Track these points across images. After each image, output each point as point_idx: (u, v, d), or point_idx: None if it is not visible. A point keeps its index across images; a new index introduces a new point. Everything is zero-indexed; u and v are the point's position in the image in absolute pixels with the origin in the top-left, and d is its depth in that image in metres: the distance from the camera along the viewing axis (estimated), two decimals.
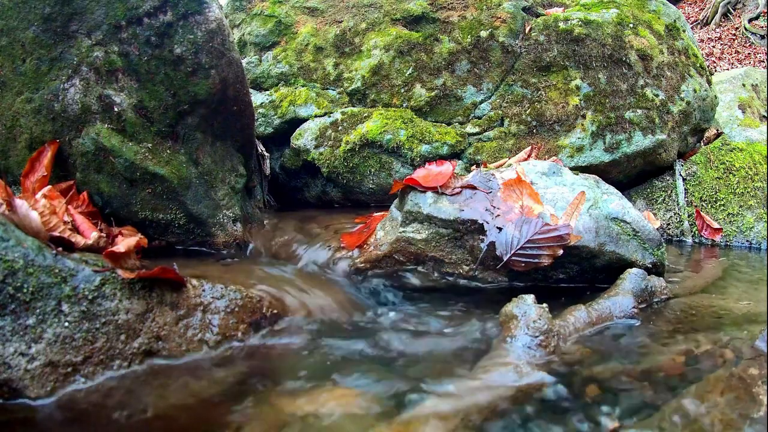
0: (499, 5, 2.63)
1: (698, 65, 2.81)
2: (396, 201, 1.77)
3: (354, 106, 2.62)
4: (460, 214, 1.59)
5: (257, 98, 2.70)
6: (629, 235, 1.61)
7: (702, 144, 2.92)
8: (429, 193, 1.65)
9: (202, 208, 1.77)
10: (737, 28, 10.92)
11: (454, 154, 2.46)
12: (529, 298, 1.28)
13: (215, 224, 1.80)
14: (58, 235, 1.31)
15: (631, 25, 2.58)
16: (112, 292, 1.16)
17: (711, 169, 2.66)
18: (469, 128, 2.51)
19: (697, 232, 2.56)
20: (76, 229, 1.43)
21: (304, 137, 2.55)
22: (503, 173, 1.72)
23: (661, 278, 1.59)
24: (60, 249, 1.17)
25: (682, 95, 2.63)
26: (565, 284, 1.63)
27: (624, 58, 2.50)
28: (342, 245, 1.79)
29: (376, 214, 1.93)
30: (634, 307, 1.41)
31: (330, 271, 1.71)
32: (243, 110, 1.89)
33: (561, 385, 1.06)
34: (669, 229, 2.61)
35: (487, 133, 2.50)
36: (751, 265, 2.11)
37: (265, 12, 2.88)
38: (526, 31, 2.57)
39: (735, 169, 2.61)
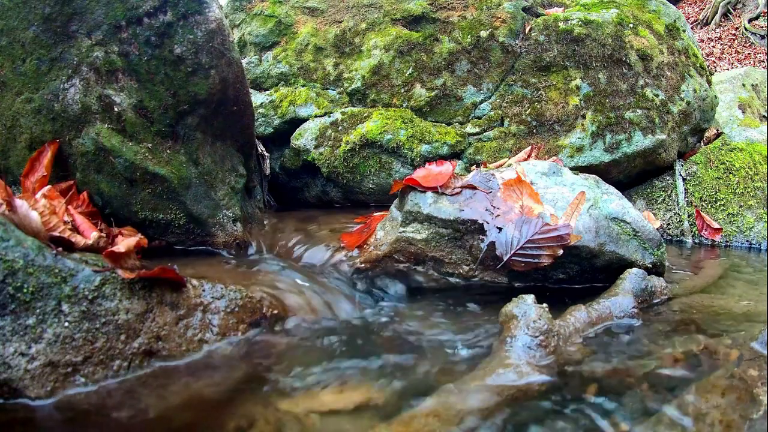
0: (499, 5, 2.63)
1: (698, 65, 2.81)
2: (396, 201, 1.77)
3: (354, 106, 2.62)
4: (460, 214, 1.59)
5: (257, 98, 2.70)
6: (629, 235, 1.61)
7: (702, 144, 2.92)
8: (429, 193, 1.65)
9: (202, 208, 1.77)
10: (737, 28, 10.93)
11: (454, 154, 2.46)
12: (529, 298, 1.28)
13: (215, 224, 1.80)
14: (58, 235, 1.31)
15: (631, 25, 2.58)
16: (112, 292, 1.16)
17: (711, 169, 2.66)
18: (469, 128, 2.51)
19: (697, 232, 2.56)
20: (76, 229, 1.43)
21: (304, 137, 2.55)
22: (503, 173, 1.72)
23: (661, 278, 1.59)
24: (60, 249, 1.17)
25: (682, 95, 2.63)
26: (565, 284, 1.63)
27: (624, 58, 2.50)
28: (342, 245, 1.79)
29: (376, 214, 1.93)
30: (634, 307, 1.41)
31: (330, 271, 1.71)
32: (243, 110, 1.89)
33: (561, 385, 1.06)
34: (669, 229, 2.61)
35: (487, 133, 2.50)
36: (751, 265, 2.11)
37: (265, 12, 2.88)
38: (526, 31, 2.57)
39: (735, 169, 2.61)
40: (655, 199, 2.68)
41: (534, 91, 2.51)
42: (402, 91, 2.57)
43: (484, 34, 2.57)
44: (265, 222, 2.10)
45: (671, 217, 2.62)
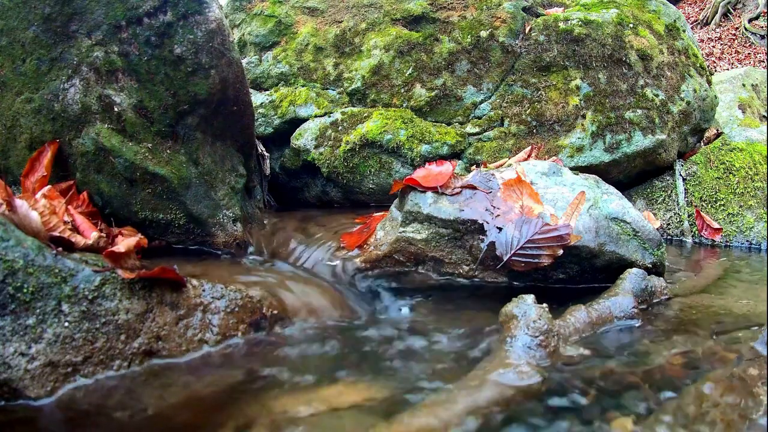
0: (499, 5, 2.63)
1: (698, 65, 2.81)
2: (396, 201, 1.77)
3: (354, 106, 2.61)
4: (460, 214, 1.59)
5: (257, 98, 2.70)
6: (629, 235, 1.61)
7: (702, 144, 2.92)
8: (429, 193, 1.65)
9: (202, 208, 1.77)
10: (737, 28, 10.93)
11: (454, 154, 2.46)
12: (529, 298, 1.28)
13: (215, 224, 1.80)
14: (58, 235, 1.31)
15: (631, 25, 2.58)
16: (112, 292, 1.16)
17: (711, 169, 2.66)
18: (469, 128, 2.51)
19: (697, 232, 2.56)
20: (76, 229, 1.43)
21: (304, 137, 2.55)
22: (503, 173, 1.72)
23: (661, 278, 1.59)
24: (60, 249, 1.17)
25: (682, 95, 2.63)
26: (565, 284, 1.63)
27: (624, 58, 2.50)
28: (342, 245, 1.79)
29: (376, 214, 1.93)
30: (634, 307, 1.41)
31: (330, 271, 1.71)
32: (243, 110, 1.89)
33: (561, 385, 1.06)
34: (669, 229, 2.61)
35: (487, 133, 2.50)
36: (751, 265, 2.11)
37: (265, 12, 2.88)
38: (526, 31, 2.57)
39: (735, 169, 2.61)
40: (655, 199, 2.68)
41: (534, 91, 2.51)
42: (402, 91, 2.57)
43: (484, 34, 2.57)
44: (265, 222, 2.10)
45: (671, 217, 2.62)
